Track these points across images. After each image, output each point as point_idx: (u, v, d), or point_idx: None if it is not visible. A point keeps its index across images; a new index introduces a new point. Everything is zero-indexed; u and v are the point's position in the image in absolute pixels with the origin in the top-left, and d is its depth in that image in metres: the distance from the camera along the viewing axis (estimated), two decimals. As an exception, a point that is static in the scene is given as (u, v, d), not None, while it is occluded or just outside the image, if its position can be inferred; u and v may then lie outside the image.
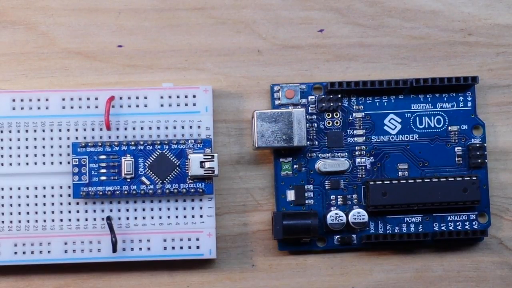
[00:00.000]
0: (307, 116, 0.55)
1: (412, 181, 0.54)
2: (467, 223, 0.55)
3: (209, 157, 0.53)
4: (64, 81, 0.55)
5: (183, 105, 0.54)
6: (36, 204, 0.53)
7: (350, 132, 0.55)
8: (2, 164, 0.53)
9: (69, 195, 0.53)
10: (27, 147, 0.54)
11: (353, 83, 0.54)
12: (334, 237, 0.55)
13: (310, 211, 0.54)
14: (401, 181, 0.54)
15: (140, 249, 0.53)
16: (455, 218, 0.55)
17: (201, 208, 0.54)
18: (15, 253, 0.53)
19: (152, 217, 0.54)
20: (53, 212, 0.53)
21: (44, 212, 0.53)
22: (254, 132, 0.54)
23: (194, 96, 0.54)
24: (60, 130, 0.54)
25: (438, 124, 0.55)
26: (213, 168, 0.53)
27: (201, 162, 0.53)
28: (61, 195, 0.53)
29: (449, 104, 0.55)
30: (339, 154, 0.55)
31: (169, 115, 0.54)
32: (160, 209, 0.54)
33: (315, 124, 0.55)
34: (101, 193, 0.53)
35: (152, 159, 0.53)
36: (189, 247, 0.53)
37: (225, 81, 0.56)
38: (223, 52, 0.56)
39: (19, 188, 0.53)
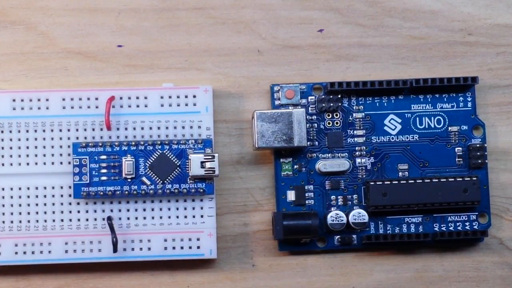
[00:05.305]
0: (307, 117, 0.55)
1: (412, 181, 0.54)
2: (467, 223, 0.55)
3: (210, 157, 0.53)
4: (64, 81, 0.55)
5: (183, 105, 0.54)
6: (36, 204, 0.53)
7: (350, 132, 0.55)
8: (2, 164, 0.53)
9: (70, 195, 0.53)
10: (27, 147, 0.53)
11: (353, 83, 0.54)
12: (334, 237, 0.55)
13: (310, 212, 0.54)
14: (401, 182, 0.54)
15: (141, 249, 0.53)
16: (456, 219, 0.55)
17: (201, 208, 0.54)
18: (16, 253, 0.53)
19: (153, 217, 0.54)
20: (53, 212, 0.53)
21: (45, 212, 0.53)
22: (254, 133, 0.54)
23: (194, 96, 0.54)
24: (60, 130, 0.54)
25: (438, 125, 0.55)
26: (214, 168, 0.53)
27: (202, 162, 0.53)
28: (61, 195, 0.53)
29: (449, 105, 0.55)
30: (339, 155, 0.55)
31: (169, 115, 0.54)
32: (160, 209, 0.54)
33: (315, 125, 0.55)
34: (101, 193, 0.53)
35: (153, 159, 0.53)
36: (190, 247, 0.53)
37: (225, 81, 0.56)
38: (223, 52, 0.56)
39: (19, 188, 0.53)
